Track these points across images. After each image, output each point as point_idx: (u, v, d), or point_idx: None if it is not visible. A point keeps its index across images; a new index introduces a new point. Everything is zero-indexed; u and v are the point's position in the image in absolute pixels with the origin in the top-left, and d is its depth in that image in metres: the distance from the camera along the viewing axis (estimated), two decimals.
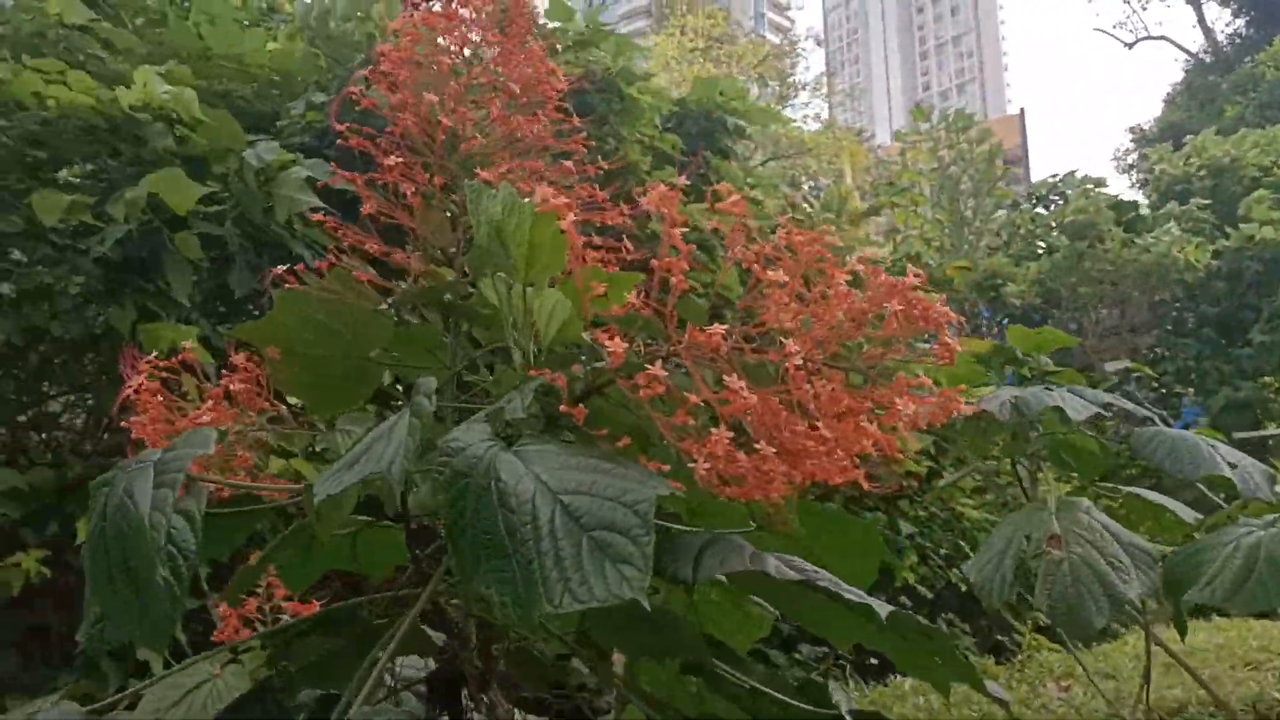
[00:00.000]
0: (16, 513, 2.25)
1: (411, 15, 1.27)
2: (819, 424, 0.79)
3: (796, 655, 3.91)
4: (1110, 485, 1.85)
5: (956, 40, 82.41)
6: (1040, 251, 9.59)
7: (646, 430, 0.88)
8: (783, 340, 0.81)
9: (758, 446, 0.79)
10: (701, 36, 22.65)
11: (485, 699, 1.01)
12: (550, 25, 4.34)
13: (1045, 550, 1.45)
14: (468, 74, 1.26)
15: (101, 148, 2.65)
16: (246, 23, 3.40)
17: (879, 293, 0.84)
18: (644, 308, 0.91)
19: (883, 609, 0.85)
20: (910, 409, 0.80)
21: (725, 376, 0.79)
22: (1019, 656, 3.86)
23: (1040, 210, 10.29)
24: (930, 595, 4.37)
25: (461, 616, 1.01)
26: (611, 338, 0.84)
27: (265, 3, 3.81)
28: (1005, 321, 8.53)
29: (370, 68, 1.24)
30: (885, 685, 3.62)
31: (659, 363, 0.82)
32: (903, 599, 4.46)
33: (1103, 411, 1.61)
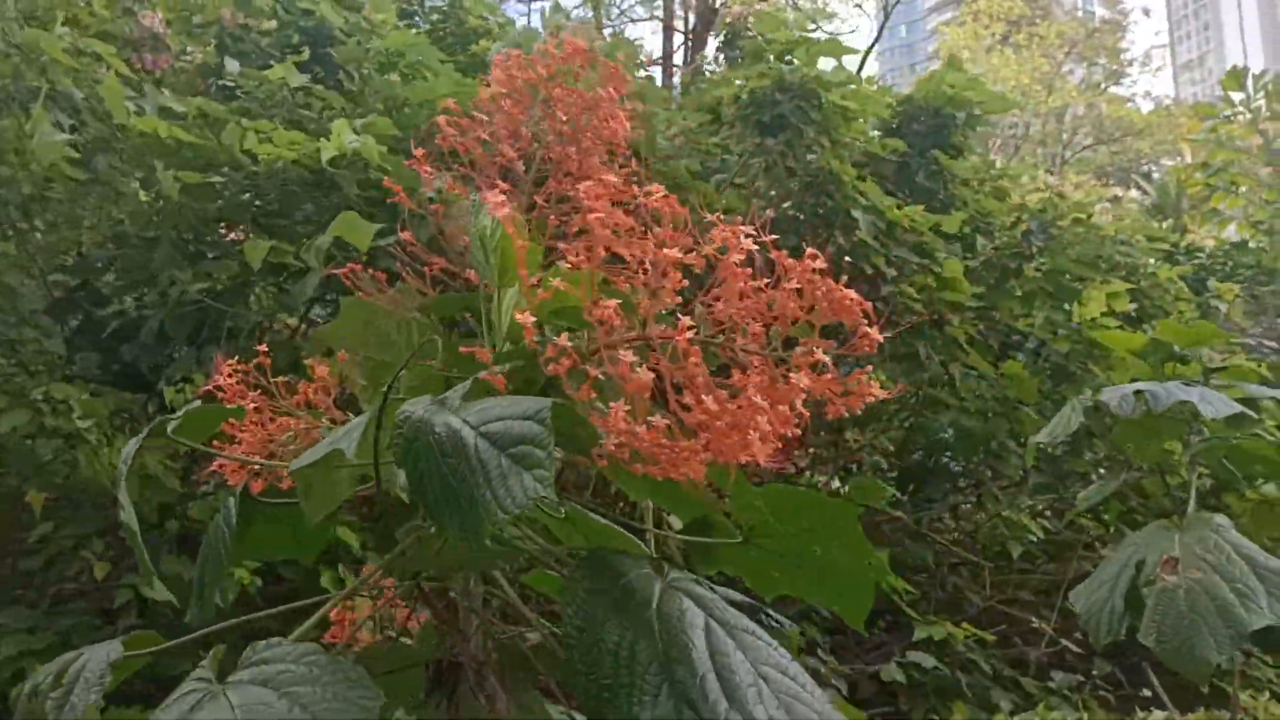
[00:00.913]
0: None
1: (506, 60, 1.45)
2: (706, 399, 0.86)
3: (1050, 683, 3.78)
4: None
5: None
6: None
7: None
8: (679, 316, 0.88)
9: (651, 421, 0.87)
10: (998, 21, 21.78)
11: (484, 690, 1.14)
12: (765, 38, 4.48)
13: (1158, 576, 1.35)
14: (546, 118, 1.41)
15: (308, 196, 3.09)
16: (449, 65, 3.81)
17: (788, 277, 0.89)
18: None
19: None
20: (804, 381, 0.85)
21: (618, 352, 0.88)
22: None
23: None
24: None
25: (462, 606, 1.15)
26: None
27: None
28: None
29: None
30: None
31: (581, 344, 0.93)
32: None
33: (1249, 412, 1.48)
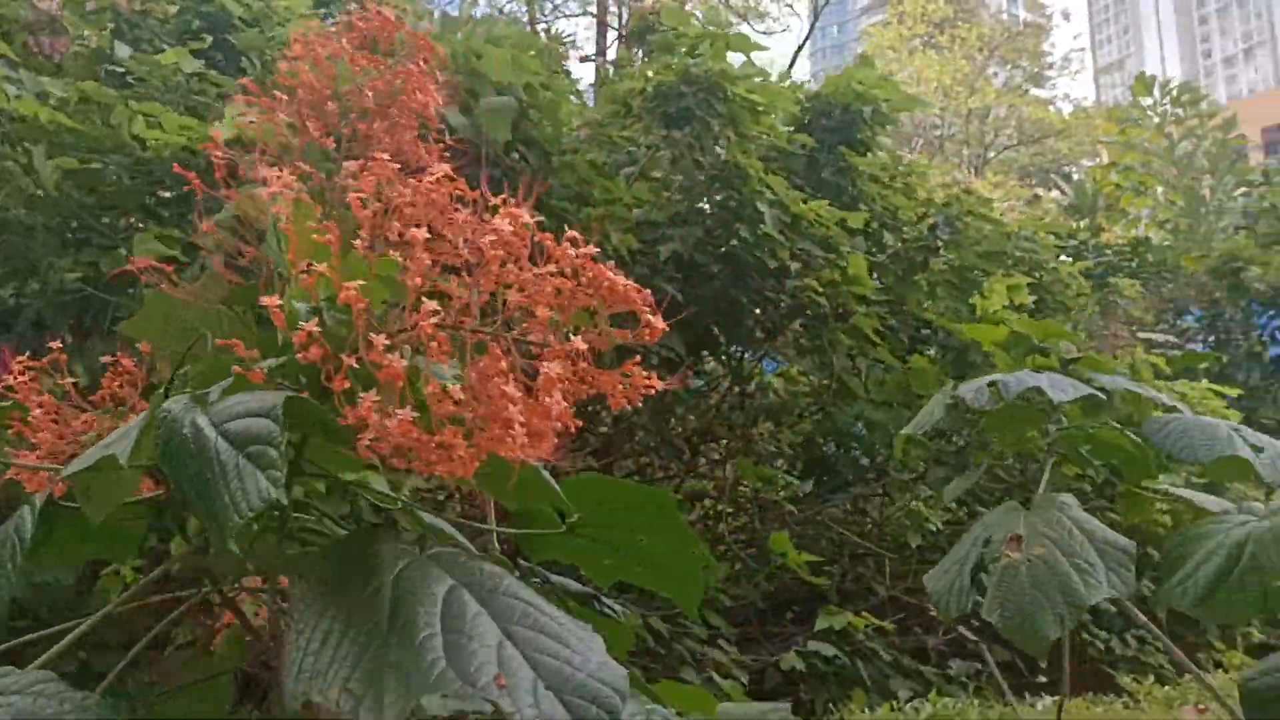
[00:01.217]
0: None
1: (304, 36, 1.37)
2: (452, 389, 0.79)
3: (948, 670, 3.79)
4: (1165, 489, 1.66)
5: (1242, 1, 75.08)
6: None
7: None
8: (424, 300, 0.81)
9: (398, 413, 0.80)
10: (921, 22, 21.99)
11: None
12: (673, 31, 4.42)
13: (1003, 553, 1.33)
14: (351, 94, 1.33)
15: (205, 183, 2.96)
16: None
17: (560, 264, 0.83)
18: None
19: None
20: (556, 370, 0.79)
21: (370, 338, 0.81)
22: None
23: None
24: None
25: (272, 610, 1.08)
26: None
27: None
28: (1253, 306, 7.65)
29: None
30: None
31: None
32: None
33: (1098, 394, 1.46)
